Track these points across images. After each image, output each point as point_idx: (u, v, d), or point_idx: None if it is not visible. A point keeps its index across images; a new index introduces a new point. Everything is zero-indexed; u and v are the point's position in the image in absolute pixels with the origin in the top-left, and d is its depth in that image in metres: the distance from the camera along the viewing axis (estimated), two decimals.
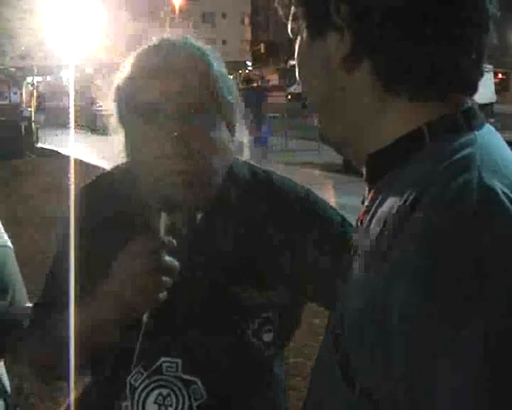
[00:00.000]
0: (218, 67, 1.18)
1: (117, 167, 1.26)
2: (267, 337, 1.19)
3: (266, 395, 1.24)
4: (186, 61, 1.15)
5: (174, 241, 1.09)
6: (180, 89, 1.12)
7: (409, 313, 0.61)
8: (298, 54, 0.80)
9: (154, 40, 1.19)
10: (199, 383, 1.16)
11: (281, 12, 0.82)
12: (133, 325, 1.11)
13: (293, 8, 0.79)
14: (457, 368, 0.58)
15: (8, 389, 1.50)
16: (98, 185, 1.29)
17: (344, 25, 0.72)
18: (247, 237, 1.19)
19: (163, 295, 1.08)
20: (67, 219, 1.22)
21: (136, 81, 1.16)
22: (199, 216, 1.21)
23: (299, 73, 0.81)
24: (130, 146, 1.18)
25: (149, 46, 1.19)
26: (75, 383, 1.18)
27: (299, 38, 0.80)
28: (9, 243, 1.47)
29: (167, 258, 1.08)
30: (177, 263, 1.08)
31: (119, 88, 1.19)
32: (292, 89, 34.37)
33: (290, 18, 0.80)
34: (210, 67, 1.16)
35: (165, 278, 1.07)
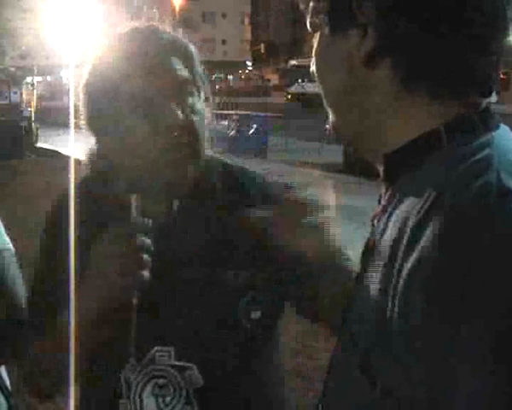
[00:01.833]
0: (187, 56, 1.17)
1: (92, 171, 1.26)
2: (255, 315, 1.19)
3: (260, 378, 1.24)
4: (159, 47, 1.14)
5: (148, 221, 1.09)
6: (158, 76, 1.12)
7: (412, 314, 0.61)
8: (317, 49, 0.79)
9: (121, 30, 1.18)
10: (194, 368, 1.16)
11: (301, 6, 0.81)
12: (124, 317, 1.09)
13: (312, 2, 0.79)
14: (457, 368, 0.59)
15: (9, 387, 1.49)
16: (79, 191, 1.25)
17: (367, 22, 0.72)
18: (221, 226, 1.20)
19: (146, 274, 1.07)
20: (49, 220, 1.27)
21: (113, 71, 1.14)
22: (175, 204, 1.21)
23: (316, 67, 0.80)
24: (111, 138, 1.18)
25: (119, 36, 1.17)
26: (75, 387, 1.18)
27: (318, 33, 0.79)
28: (10, 246, 1.45)
29: (141, 238, 1.07)
30: (149, 241, 1.08)
31: (88, 82, 1.19)
32: (292, 89, 34.38)
33: (309, 12, 0.79)
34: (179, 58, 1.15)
35: (145, 256, 1.07)
